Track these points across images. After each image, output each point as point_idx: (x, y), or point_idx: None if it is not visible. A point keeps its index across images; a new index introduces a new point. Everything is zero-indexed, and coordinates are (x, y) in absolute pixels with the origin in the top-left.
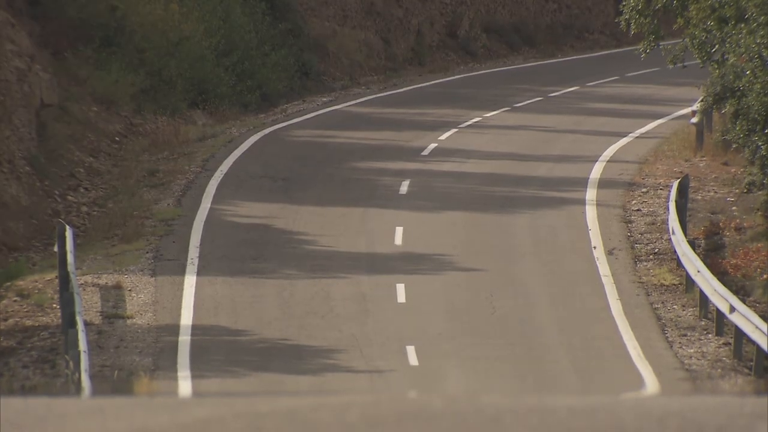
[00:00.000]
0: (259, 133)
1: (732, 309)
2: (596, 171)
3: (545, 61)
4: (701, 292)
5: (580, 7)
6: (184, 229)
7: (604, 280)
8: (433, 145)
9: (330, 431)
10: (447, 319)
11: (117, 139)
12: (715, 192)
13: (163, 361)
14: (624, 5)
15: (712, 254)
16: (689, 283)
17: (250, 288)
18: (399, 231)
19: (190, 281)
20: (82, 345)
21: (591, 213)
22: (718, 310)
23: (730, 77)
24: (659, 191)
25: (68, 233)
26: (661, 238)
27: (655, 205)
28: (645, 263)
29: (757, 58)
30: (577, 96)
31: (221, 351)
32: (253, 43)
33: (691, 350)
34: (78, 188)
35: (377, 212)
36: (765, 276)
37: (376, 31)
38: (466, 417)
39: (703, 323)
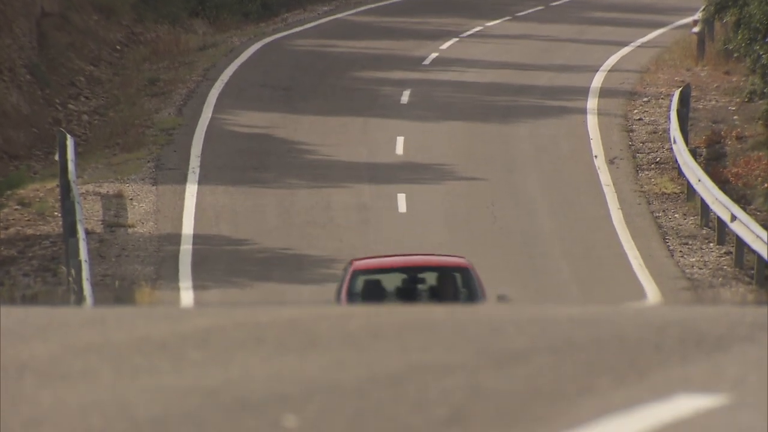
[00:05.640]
0: (259, 43)
1: (733, 218)
2: (597, 80)
3: None
4: (702, 201)
5: None
6: (185, 138)
7: (606, 189)
8: (434, 55)
9: (331, 341)
10: (448, 228)
11: (117, 47)
12: (717, 101)
13: (165, 271)
14: None
15: (713, 163)
16: (690, 192)
17: (250, 197)
18: (400, 141)
19: (191, 190)
20: (83, 254)
21: (592, 122)
22: (719, 219)
23: None
24: (660, 100)
25: (69, 142)
26: (663, 147)
27: (656, 114)
28: (646, 172)
29: None
30: (579, 5)
31: (222, 260)
32: None
33: (693, 259)
34: (79, 97)
35: (378, 122)
36: (766, 185)
37: None
38: (467, 327)
39: (704, 232)
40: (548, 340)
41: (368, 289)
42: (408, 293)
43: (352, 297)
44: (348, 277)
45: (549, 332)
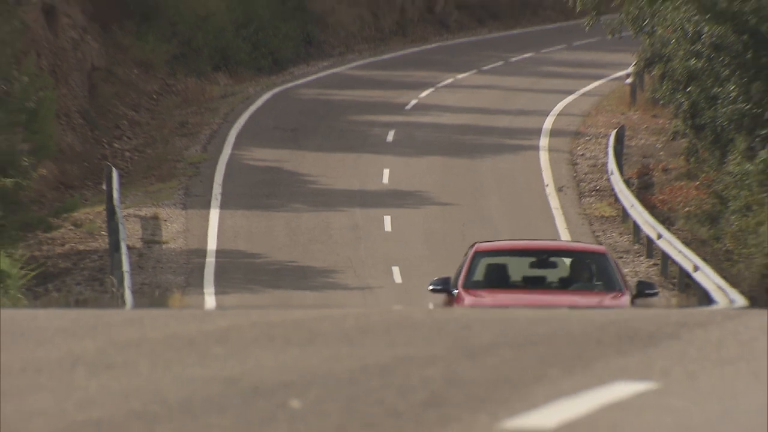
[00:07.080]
0: (271, 92)
1: (659, 236)
2: (548, 122)
3: (507, 32)
4: (634, 223)
5: None
6: (209, 170)
7: (555, 212)
8: (414, 101)
9: (330, 337)
10: (426, 244)
11: (154, 96)
12: (646, 140)
13: (193, 279)
14: None
15: (643, 191)
16: (625, 215)
17: (263, 219)
18: (386, 172)
19: (214, 213)
20: (125, 266)
21: (544, 157)
22: (648, 237)
23: (658, 45)
24: (600, 139)
25: (114, 174)
26: (602, 177)
27: (596, 150)
28: (588, 198)
29: (680, 29)
30: (532, 61)
31: (240, 271)
32: (266, 17)
33: (627, 270)
34: (122, 137)
35: (368, 157)
36: (686, 209)
37: (367, 7)
38: (442, 325)
39: (636, 248)
40: (510, 336)
41: (491, 274)
42: (535, 281)
43: (470, 284)
44: (469, 259)
45: (511, 329)
